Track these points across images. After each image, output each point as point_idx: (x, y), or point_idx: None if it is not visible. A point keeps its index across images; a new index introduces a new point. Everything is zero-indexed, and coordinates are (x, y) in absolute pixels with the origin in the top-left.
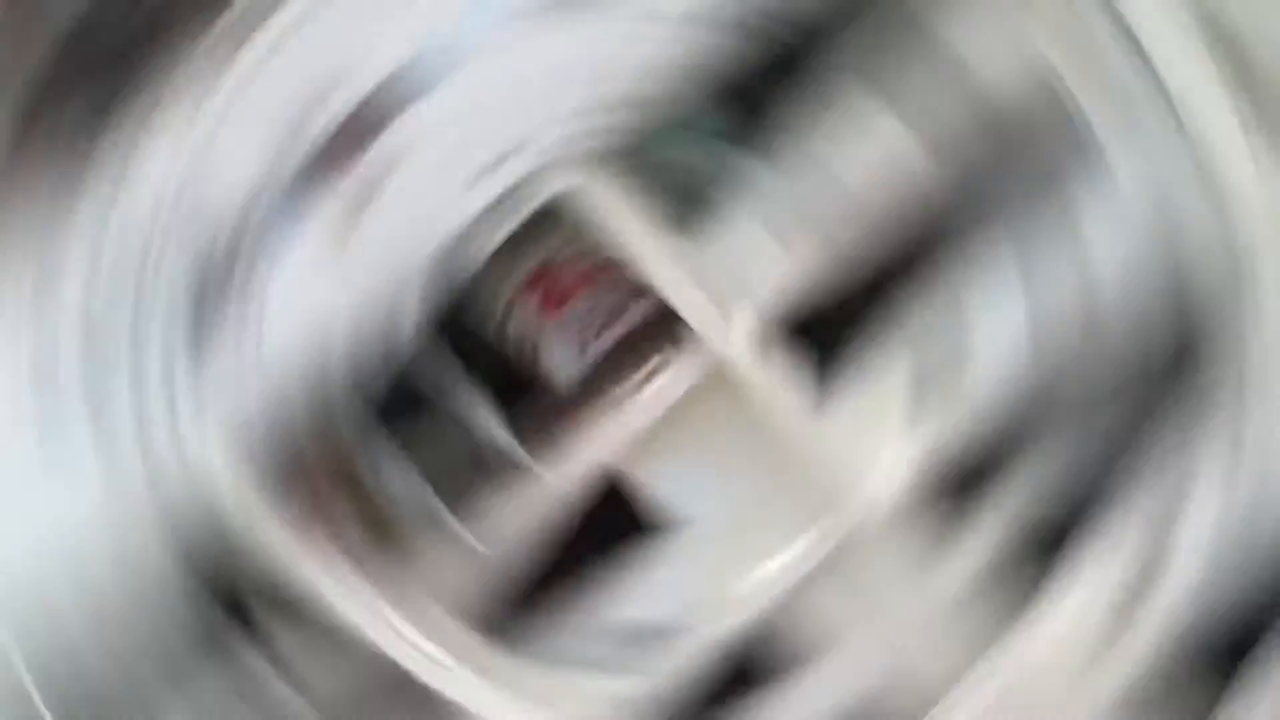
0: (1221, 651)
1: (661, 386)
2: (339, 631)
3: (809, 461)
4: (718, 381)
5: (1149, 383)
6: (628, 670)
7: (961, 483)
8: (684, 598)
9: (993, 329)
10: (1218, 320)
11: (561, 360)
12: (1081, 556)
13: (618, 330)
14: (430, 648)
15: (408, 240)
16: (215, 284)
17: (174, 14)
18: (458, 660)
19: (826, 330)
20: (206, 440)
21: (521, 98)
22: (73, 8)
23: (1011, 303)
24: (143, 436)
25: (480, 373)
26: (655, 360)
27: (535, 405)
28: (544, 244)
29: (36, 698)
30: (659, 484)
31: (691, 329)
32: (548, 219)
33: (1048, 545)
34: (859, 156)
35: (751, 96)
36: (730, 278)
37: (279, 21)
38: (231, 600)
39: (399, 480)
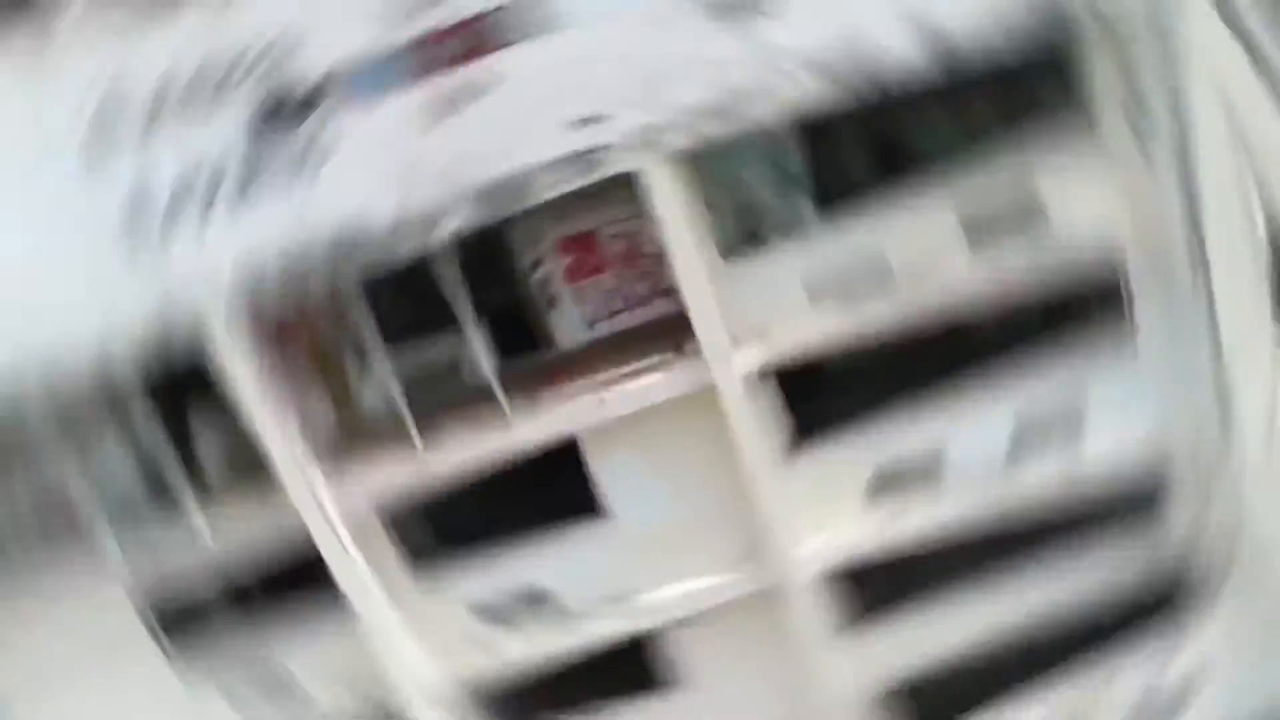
0: None
1: (650, 385)
2: (268, 489)
3: (759, 507)
4: (703, 402)
5: (1117, 529)
6: (518, 632)
7: (882, 597)
8: (595, 586)
9: (971, 448)
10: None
11: (569, 325)
12: None
13: (630, 319)
14: (345, 536)
15: (477, 157)
16: (281, 128)
17: None
18: (367, 560)
19: (816, 382)
20: (217, 269)
21: (624, 74)
22: None
23: (998, 429)
24: (165, 239)
25: (487, 310)
26: (654, 359)
27: (528, 357)
28: (595, 214)
29: None
30: (614, 473)
31: (698, 345)
32: (608, 192)
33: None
34: (914, 250)
35: (835, 157)
36: (752, 313)
37: None
38: (178, 427)
39: (377, 380)
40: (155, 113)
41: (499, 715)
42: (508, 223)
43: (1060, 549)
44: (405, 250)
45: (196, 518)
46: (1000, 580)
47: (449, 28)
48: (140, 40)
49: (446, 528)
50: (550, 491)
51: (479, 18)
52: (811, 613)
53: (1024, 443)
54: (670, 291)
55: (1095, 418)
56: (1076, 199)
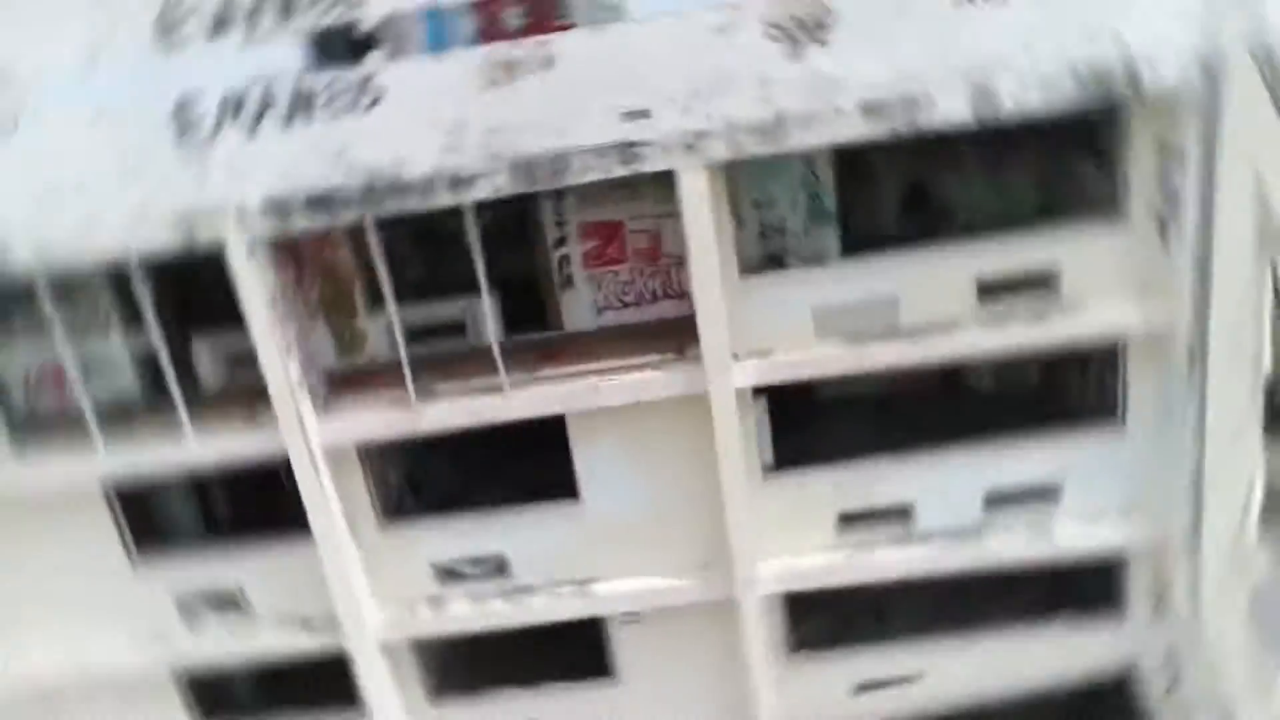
0: None
1: (646, 381)
2: (258, 410)
3: (728, 519)
4: (693, 407)
5: (1075, 610)
6: (472, 597)
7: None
8: (555, 566)
9: (945, 503)
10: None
11: (579, 309)
12: None
13: (639, 314)
14: (324, 470)
15: (522, 129)
16: (338, 63)
17: None
18: (340, 497)
19: (806, 411)
20: (252, 184)
21: (677, 75)
22: None
23: (974, 489)
24: (209, 143)
25: (503, 279)
26: (655, 358)
27: (533, 332)
28: (625, 206)
29: None
30: (594, 460)
31: (700, 352)
32: (641, 187)
33: None
34: (925, 300)
35: (867, 199)
36: (758, 332)
37: None
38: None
39: (384, 326)
40: (222, 21)
41: (436, 674)
42: (539, 197)
43: (1017, 619)
44: (435, 205)
45: (184, 424)
46: (955, 637)
47: None
48: None
49: (423, 485)
50: (529, 467)
51: None
52: (761, 631)
53: (998, 506)
54: (683, 295)
55: (1071, 493)
56: (1090, 274)
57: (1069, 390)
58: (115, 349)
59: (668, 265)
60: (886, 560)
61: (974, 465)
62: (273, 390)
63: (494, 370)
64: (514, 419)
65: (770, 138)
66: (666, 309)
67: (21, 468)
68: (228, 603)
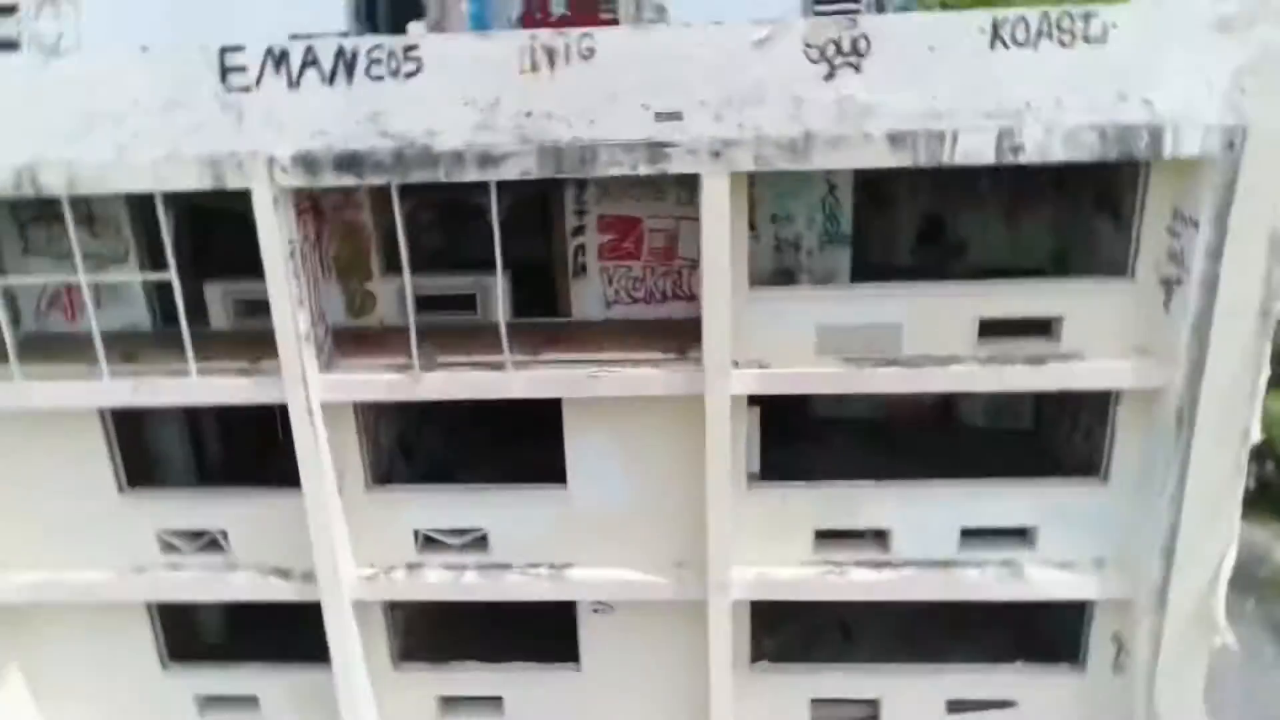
0: None
1: (645, 378)
2: (264, 357)
3: (709, 522)
4: (688, 408)
5: (1037, 655)
6: (449, 568)
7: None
8: (533, 548)
9: (922, 534)
10: None
11: (588, 298)
12: None
13: (646, 311)
14: (320, 425)
15: (555, 116)
16: (384, 29)
17: None
18: (332, 453)
19: (798, 426)
20: (286, 137)
21: (712, 82)
22: None
23: (952, 523)
24: (249, 91)
25: (518, 260)
26: (656, 356)
27: (542, 314)
28: (646, 204)
29: None
30: (585, 449)
31: (701, 355)
32: (664, 187)
33: None
34: (927, 332)
35: (883, 227)
36: (761, 342)
37: None
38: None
39: (396, 292)
40: None
41: (404, 639)
42: (563, 185)
43: (978, 657)
44: (462, 179)
45: (189, 360)
46: (916, 667)
47: None
48: None
49: (415, 452)
50: (521, 450)
51: None
52: (726, 636)
53: (974, 542)
54: (691, 298)
55: (1047, 538)
56: (1092, 327)
57: (1058, 437)
58: (130, 280)
59: (681, 267)
60: (858, 581)
61: (955, 500)
62: (280, 340)
63: (498, 348)
64: (512, 397)
65: (797, 155)
66: (675, 309)
67: (25, 385)
68: (209, 544)
